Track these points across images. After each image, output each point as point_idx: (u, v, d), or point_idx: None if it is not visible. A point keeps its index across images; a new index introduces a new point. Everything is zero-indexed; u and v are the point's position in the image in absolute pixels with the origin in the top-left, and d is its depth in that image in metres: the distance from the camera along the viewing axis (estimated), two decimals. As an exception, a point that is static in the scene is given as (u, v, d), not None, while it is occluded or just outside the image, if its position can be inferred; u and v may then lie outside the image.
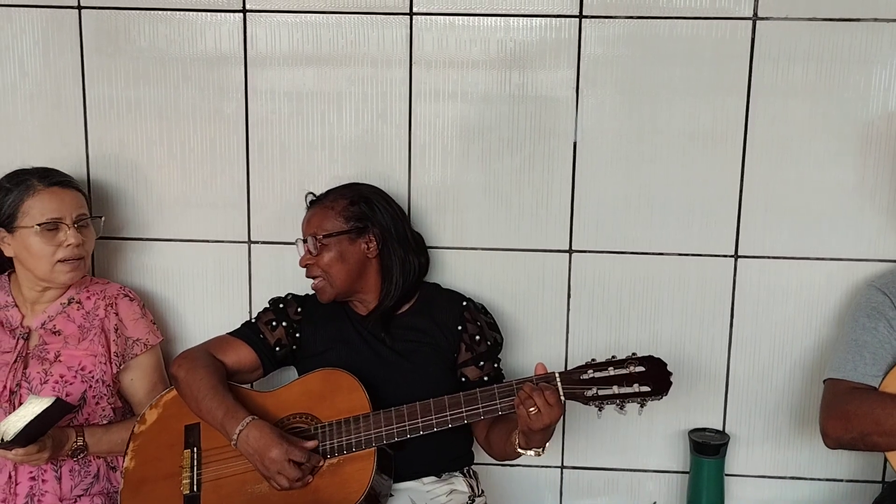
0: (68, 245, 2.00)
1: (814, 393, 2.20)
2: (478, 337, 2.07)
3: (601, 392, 1.80)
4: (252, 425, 1.87)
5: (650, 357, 1.84)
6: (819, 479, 2.31)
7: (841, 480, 2.30)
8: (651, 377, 1.81)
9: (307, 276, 2.06)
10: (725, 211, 2.20)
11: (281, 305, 2.14)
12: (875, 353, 1.89)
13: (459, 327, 2.07)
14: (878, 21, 2.09)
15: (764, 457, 2.31)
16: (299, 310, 2.12)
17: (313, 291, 2.09)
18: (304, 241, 2.06)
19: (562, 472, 2.36)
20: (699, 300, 2.25)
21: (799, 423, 2.28)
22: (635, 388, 1.80)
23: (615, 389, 1.80)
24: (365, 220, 2.06)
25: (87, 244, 2.07)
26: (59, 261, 2.00)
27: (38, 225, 1.98)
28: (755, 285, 2.23)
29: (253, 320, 2.14)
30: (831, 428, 1.86)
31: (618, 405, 1.82)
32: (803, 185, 2.17)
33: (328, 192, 2.12)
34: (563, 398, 1.80)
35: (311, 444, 1.89)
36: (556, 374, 1.83)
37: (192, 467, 1.96)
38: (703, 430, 2.27)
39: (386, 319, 2.07)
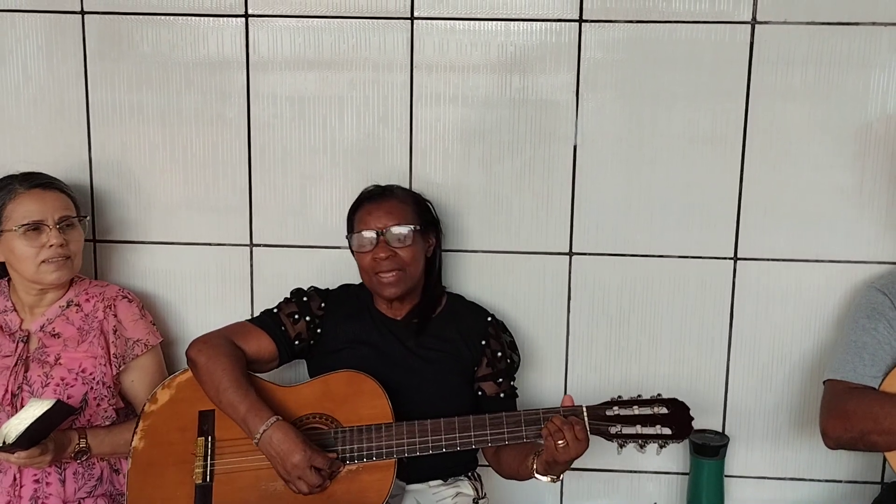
0: (50, 246, 2.01)
1: (813, 394, 2.21)
2: (500, 353, 2.07)
3: (625, 430, 1.82)
4: (276, 427, 1.84)
5: (674, 400, 1.86)
6: (818, 480, 2.31)
7: (840, 481, 2.31)
8: (674, 420, 1.83)
9: (381, 271, 1.98)
10: (725, 213, 2.21)
11: (304, 299, 2.09)
12: (874, 354, 1.90)
13: (483, 342, 2.06)
14: (876, 25, 2.10)
15: (763, 458, 2.31)
16: (323, 305, 2.09)
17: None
18: (380, 233, 1.98)
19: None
20: (699, 302, 2.25)
21: (798, 425, 2.29)
22: (658, 429, 1.82)
23: (638, 429, 1.82)
24: (430, 220, 2.08)
25: (73, 244, 2.06)
26: (42, 261, 2.01)
27: (20, 226, 1.99)
28: (754, 287, 2.24)
29: (275, 310, 2.08)
30: (831, 428, 1.87)
31: (639, 444, 1.83)
32: (802, 188, 2.18)
33: (389, 186, 2.10)
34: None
35: (332, 455, 1.87)
36: (584, 408, 1.84)
37: (205, 456, 1.93)
38: (703, 431, 2.27)
39: (423, 324, 2.06)
